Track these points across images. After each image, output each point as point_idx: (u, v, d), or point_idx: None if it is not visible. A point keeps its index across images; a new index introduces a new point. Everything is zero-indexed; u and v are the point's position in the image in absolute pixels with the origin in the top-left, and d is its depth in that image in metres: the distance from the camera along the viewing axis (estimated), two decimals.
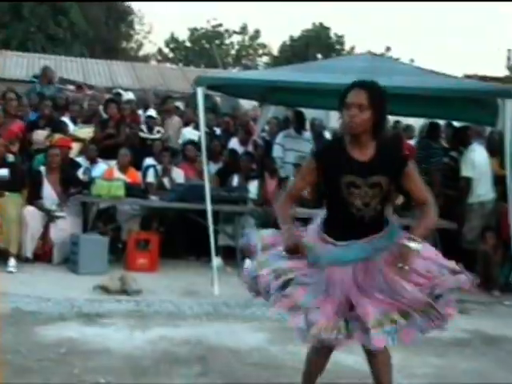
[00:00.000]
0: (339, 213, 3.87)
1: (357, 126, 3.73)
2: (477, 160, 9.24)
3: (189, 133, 10.78)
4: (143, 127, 10.55)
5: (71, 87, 15.65)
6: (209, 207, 7.76)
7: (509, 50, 45.83)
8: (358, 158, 3.82)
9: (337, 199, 3.85)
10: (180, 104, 13.37)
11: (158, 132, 10.60)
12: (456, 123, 10.87)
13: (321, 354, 4.05)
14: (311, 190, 8.26)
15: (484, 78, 19.27)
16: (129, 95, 12.87)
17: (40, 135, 9.63)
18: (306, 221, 4.15)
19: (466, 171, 9.18)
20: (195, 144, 9.87)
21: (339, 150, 3.87)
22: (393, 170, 3.83)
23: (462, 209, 9.25)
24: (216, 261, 7.92)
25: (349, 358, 5.09)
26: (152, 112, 11.22)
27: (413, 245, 3.72)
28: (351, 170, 3.78)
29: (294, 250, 3.74)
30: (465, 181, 9.19)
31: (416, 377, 5.12)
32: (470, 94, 8.38)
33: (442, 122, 10.71)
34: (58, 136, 9.28)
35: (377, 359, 3.93)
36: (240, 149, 10.35)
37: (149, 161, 9.91)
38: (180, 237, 9.45)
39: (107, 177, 8.93)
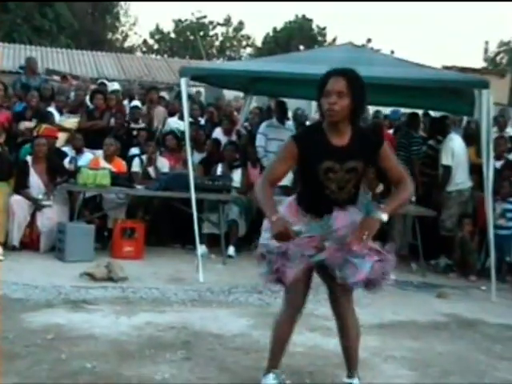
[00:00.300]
0: (314, 195, 3.98)
1: (336, 113, 3.79)
2: (456, 149, 9.39)
3: (174, 122, 10.83)
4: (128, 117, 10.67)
5: (57, 78, 15.66)
6: (193, 196, 7.83)
7: (486, 43, 46.30)
8: (335, 143, 3.90)
9: (313, 183, 3.95)
10: (165, 94, 13.46)
11: (144, 123, 10.70)
12: (433, 113, 11.03)
13: (289, 315, 4.17)
14: None
15: (462, 70, 19.45)
16: (114, 85, 12.92)
17: (26, 126, 9.68)
18: None
19: (446, 160, 9.31)
20: (176, 134, 9.99)
21: (318, 135, 3.94)
22: (369, 153, 3.92)
23: (440, 196, 9.41)
24: (200, 248, 8.01)
25: (330, 343, 5.17)
26: (137, 102, 11.31)
27: (380, 214, 3.81)
28: (329, 156, 3.87)
29: (285, 236, 3.75)
30: (445, 169, 9.34)
31: (394, 359, 5.18)
32: (448, 84, 8.51)
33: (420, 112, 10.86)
34: (44, 126, 9.30)
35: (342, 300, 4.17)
36: (224, 138, 10.41)
37: (134, 150, 10.00)
38: (165, 225, 9.54)
39: (93, 166, 8.97)
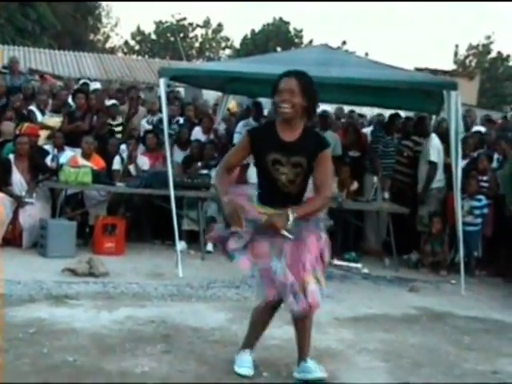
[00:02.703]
0: (269, 187, 4.26)
1: (288, 110, 4.08)
2: (439, 147, 9.58)
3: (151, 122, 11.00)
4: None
5: (38, 77, 15.72)
6: (172, 193, 7.92)
7: (456, 46, 46.67)
8: (284, 138, 4.19)
9: (265, 174, 4.25)
10: (142, 94, 13.56)
11: (122, 122, 10.82)
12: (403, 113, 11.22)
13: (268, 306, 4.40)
14: (240, 170, 8.52)
15: (434, 72, 19.75)
16: (96, 85, 12.96)
17: (9, 126, 9.70)
18: None
19: (433, 156, 9.49)
20: (156, 133, 10.09)
21: (270, 130, 4.25)
22: (312, 152, 4.18)
23: (426, 192, 9.59)
24: (180, 244, 8.13)
25: None
26: (114, 101, 11.41)
27: (291, 212, 4.05)
28: (276, 149, 4.17)
29: (235, 217, 4.07)
30: (432, 165, 9.52)
31: (368, 351, 5.29)
32: (420, 85, 8.72)
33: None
34: (26, 125, 9.35)
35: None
36: (203, 137, 10.54)
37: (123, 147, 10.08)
38: (145, 221, 9.66)
39: (72, 164, 9.02)
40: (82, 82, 14.00)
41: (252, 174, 9.00)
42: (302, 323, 4.39)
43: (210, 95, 14.07)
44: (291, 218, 4.03)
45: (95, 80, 15.63)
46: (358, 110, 13.45)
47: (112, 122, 10.67)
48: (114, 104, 11.05)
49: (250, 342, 4.58)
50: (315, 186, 4.23)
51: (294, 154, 4.15)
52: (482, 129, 10.50)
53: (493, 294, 8.11)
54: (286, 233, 4.09)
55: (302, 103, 4.09)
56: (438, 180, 9.61)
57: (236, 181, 8.74)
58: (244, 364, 4.48)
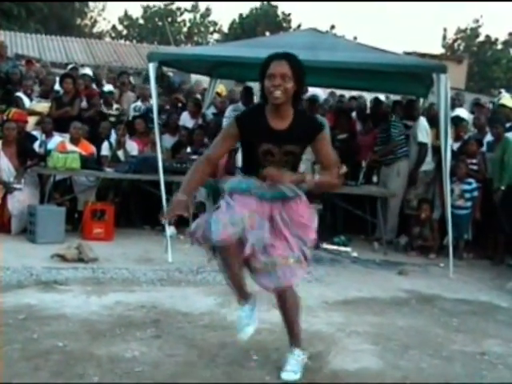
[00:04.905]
0: (256, 173, 4.01)
1: (281, 95, 3.85)
2: (427, 129, 9.62)
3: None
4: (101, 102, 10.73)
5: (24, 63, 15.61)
6: (161, 178, 7.94)
7: (444, 30, 46.73)
8: (275, 126, 3.96)
9: (253, 163, 4.03)
10: (133, 79, 13.51)
11: (117, 110, 10.77)
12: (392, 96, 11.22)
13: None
14: (228, 157, 8.54)
15: (422, 55, 19.78)
16: (85, 70, 12.87)
17: None
18: None
19: (422, 137, 9.55)
20: (145, 118, 10.07)
21: (259, 118, 4.00)
22: (307, 138, 4.02)
23: (415, 174, 9.65)
24: (169, 229, 8.09)
25: None
26: (110, 87, 11.36)
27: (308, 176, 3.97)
28: (268, 139, 3.94)
29: (175, 209, 3.94)
30: (422, 146, 9.57)
31: (357, 334, 5.32)
32: (409, 69, 8.70)
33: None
34: (14, 110, 9.34)
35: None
36: (191, 121, 10.52)
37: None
38: (134, 207, 9.67)
39: (60, 149, 9.00)
40: (70, 66, 13.89)
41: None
42: (281, 301, 4.22)
43: (203, 79, 14.01)
44: (308, 179, 3.95)
45: (83, 65, 15.51)
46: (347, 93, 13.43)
47: (107, 111, 10.63)
48: (110, 91, 11.06)
49: (239, 294, 4.30)
50: (324, 168, 4.11)
51: (287, 143, 3.97)
52: (463, 113, 10.46)
53: (481, 276, 8.17)
54: (290, 186, 3.96)
55: (293, 88, 3.90)
56: (426, 163, 9.65)
57: (225, 166, 8.82)
58: (241, 322, 4.27)
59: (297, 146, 4.01)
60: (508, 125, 9.47)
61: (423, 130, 9.60)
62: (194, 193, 3.95)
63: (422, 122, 9.75)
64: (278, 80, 3.84)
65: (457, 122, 9.50)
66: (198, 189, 3.95)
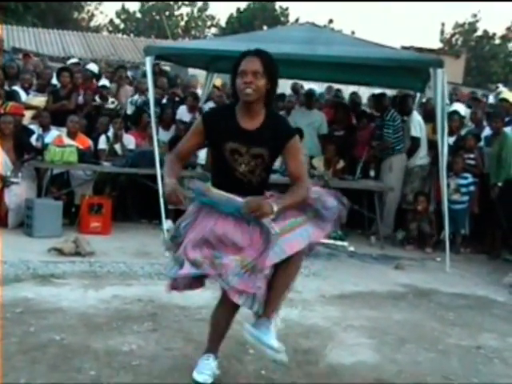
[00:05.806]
0: (226, 176, 3.83)
1: (252, 93, 3.68)
2: (421, 123, 9.64)
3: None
4: (96, 97, 10.70)
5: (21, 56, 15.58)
6: (158, 172, 7.94)
7: (442, 24, 46.76)
8: (245, 126, 3.78)
9: (221, 163, 3.83)
10: (130, 73, 13.49)
11: (113, 103, 10.75)
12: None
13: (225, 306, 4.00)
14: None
15: (420, 50, 19.79)
16: (90, 65, 12.75)
17: None
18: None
19: (414, 131, 9.56)
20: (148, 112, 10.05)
21: (228, 115, 3.83)
22: (275, 143, 3.79)
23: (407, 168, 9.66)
24: (166, 223, 8.05)
25: (292, 313, 5.40)
26: (105, 81, 11.33)
27: (274, 207, 3.59)
28: (235, 138, 3.76)
29: (174, 198, 3.70)
30: (414, 140, 9.59)
31: (354, 328, 5.34)
32: (406, 63, 8.70)
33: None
34: (11, 104, 9.29)
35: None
36: (188, 116, 10.52)
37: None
38: (132, 201, 9.66)
39: (57, 143, 8.98)
40: (73, 61, 13.77)
41: (201, 154, 8.98)
42: (286, 264, 3.78)
43: (198, 73, 13.99)
44: (275, 209, 3.59)
45: (80, 59, 15.47)
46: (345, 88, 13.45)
47: (104, 105, 10.61)
48: (103, 85, 11.04)
49: (213, 345, 4.12)
50: (293, 178, 3.85)
51: (255, 145, 3.76)
52: (461, 108, 10.45)
53: (477, 271, 8.19)
54: (271, 224, 3.63)
55: (265, 86, 3.73)
56: (421, 157, 9.66)
57: None
58: (205, 368, 4.02)
59: (265, 149, 3.78)
60: (507, 119, 9.48)
61: (416, 124, 9.63)
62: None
63: (416, 116, 9.79)
64: (249, 77, 3.70)
65: (450, 116, 9.51)
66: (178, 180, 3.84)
